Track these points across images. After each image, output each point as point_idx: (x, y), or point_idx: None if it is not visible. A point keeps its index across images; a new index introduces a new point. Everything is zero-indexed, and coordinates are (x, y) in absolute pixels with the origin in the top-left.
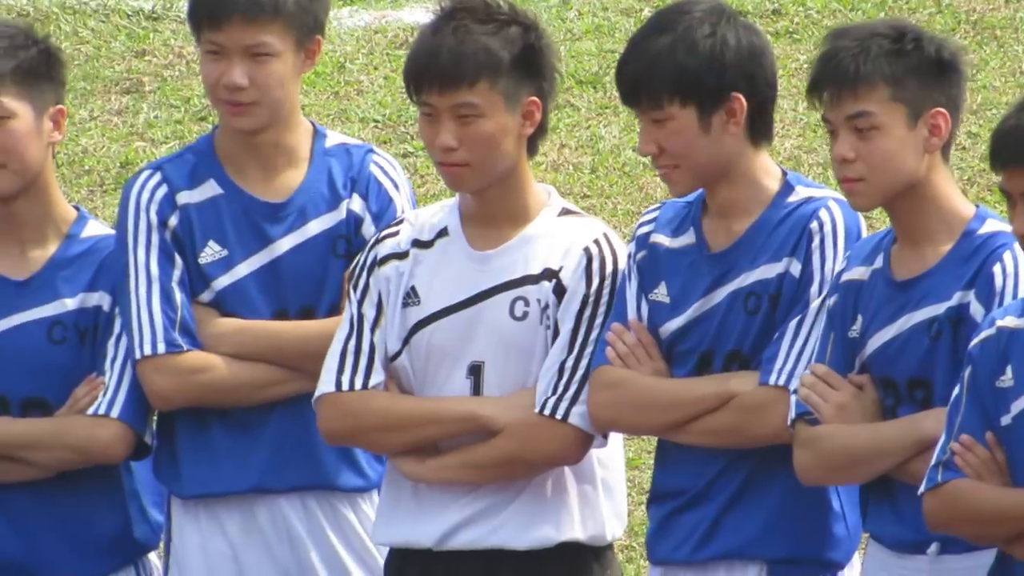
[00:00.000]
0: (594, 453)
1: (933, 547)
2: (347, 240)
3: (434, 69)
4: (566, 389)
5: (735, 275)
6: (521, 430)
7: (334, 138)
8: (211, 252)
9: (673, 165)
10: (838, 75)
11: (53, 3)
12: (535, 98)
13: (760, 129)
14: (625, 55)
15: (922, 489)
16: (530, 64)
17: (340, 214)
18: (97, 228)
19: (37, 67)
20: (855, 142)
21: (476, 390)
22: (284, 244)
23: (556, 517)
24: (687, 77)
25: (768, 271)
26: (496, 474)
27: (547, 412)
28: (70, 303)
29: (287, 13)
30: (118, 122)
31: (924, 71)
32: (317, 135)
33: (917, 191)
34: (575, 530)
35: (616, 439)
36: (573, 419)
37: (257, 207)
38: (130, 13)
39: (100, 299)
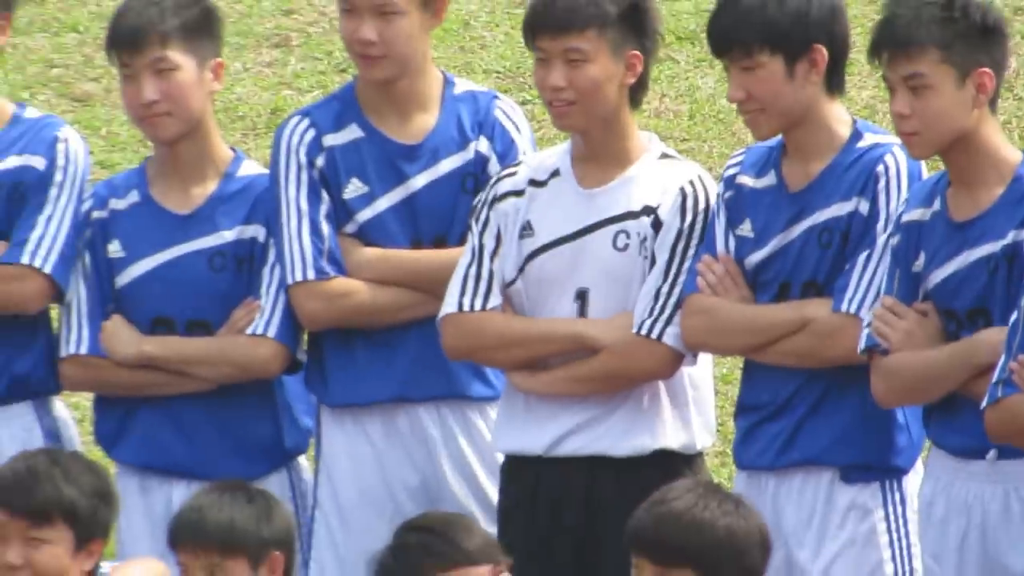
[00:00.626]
0: (685, 371)
1: (992, 453)
2: (475, 177)
3: (549, 16)
4: (661, 312)
5: (810, 212)
6: (621, 348)
7: (462, 85)
8: (354, 188)
9: (759, 109)
10: (894, 39)
11: None
12: (637, 52)
13: (835, 80)
14: (719, 9)
15: (984, 404)
16: (635, 21)
17: (468, 154)
18: (252, 167)
19: (199, 24)
20: (910, 99)
21: (582, 313)
22: (419, 181)
23: (651, 427)
24: (777, 29)
25: (839, 209)
26: (598, 388)
27: (644, 332)
28: (228, 235)
29: None
30: (268, 73)
31: (971, 35)
32: (447, 83)
33: (968, 141)
34: (668, 439)
35: (706, 358)
36: (667, 339)
37: (394, 148)
38: None
39: (255, 231)
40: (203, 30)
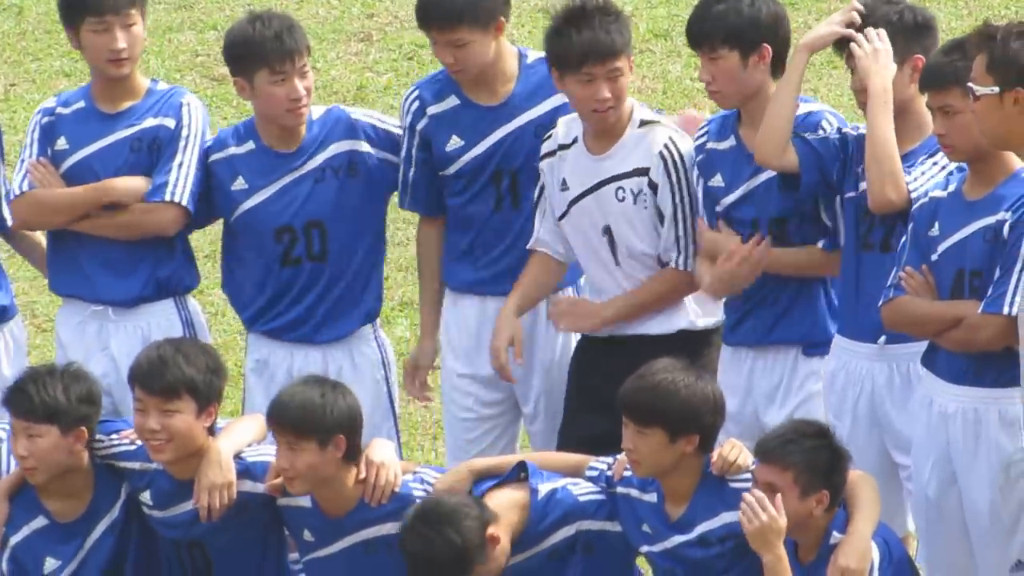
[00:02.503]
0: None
1: (882, 339)
2: (546, 128)
3: (595, 46)
4: (685, 249)
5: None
6: (674, 279)
7: (532, 55)
8: (453, 143)
9: (720, 90)
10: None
11: None
12: (631, 58)
13: (779, 68)
14: (693, 15)
15: (880, 303)
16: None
17: (542, 109)
18: (317, 111)
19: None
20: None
21: (611, 242)
22: (501, 133)
23: (675, 312)
24: (735, 31)
25: None
26: (656, 305)
27: (680, 267)
28: (321, 158)
29: (476, 18)
30: (355, 60)
31: (907, 31)
32: (521, 56)
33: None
34: (688, 321)
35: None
36: (690, 267)
37: (483, 111)
38: None
39: (338, 147)
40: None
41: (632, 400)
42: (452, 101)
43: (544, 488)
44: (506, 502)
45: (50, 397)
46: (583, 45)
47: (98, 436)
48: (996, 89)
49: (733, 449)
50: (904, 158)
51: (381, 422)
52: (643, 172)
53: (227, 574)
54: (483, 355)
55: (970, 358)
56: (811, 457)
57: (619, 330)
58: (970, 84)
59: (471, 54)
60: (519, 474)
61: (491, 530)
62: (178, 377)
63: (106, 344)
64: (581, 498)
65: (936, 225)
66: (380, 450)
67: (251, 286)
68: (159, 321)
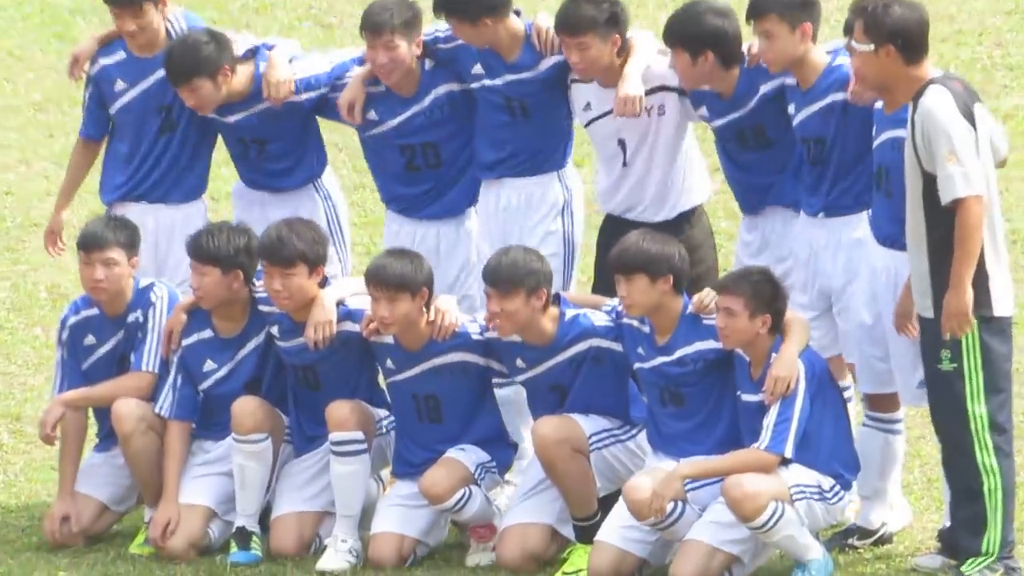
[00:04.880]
0: (685, 151)
1: (821, 214)
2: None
3: (563, 20)
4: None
5: (737, 109)
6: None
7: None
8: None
9: (682, 77)
10: (753, 9)
11: None
12: (618, 36)
13: (729, 59)
14: (669, 19)
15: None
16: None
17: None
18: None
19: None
20: (763, 43)
21: (623, 150)
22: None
23: (676, 202)
24: (683, 38)
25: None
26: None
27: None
28: (427, 101)
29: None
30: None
31: (795, 5)
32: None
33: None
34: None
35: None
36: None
37: (504, 64)
38: None
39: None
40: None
41: (618, 258)
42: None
43: (571, 312)
44: (547, 315)
45: (215, 246)
46: (559, 18)
47: (255, 281)
48: (871, 47)
49: (707, 295)
50: (809, 91)
51: (465, 278)
52: (652, 91)
53: (332, 391)
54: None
55: (898, 225)
56: (757, 288)
57: (631, 216)
58: (852, 43)
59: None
60: (555, 302)
61: (545, 292)
62: (292, 251)
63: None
64: (597, 323)
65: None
66: (445, 301)
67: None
68: (304, 204)
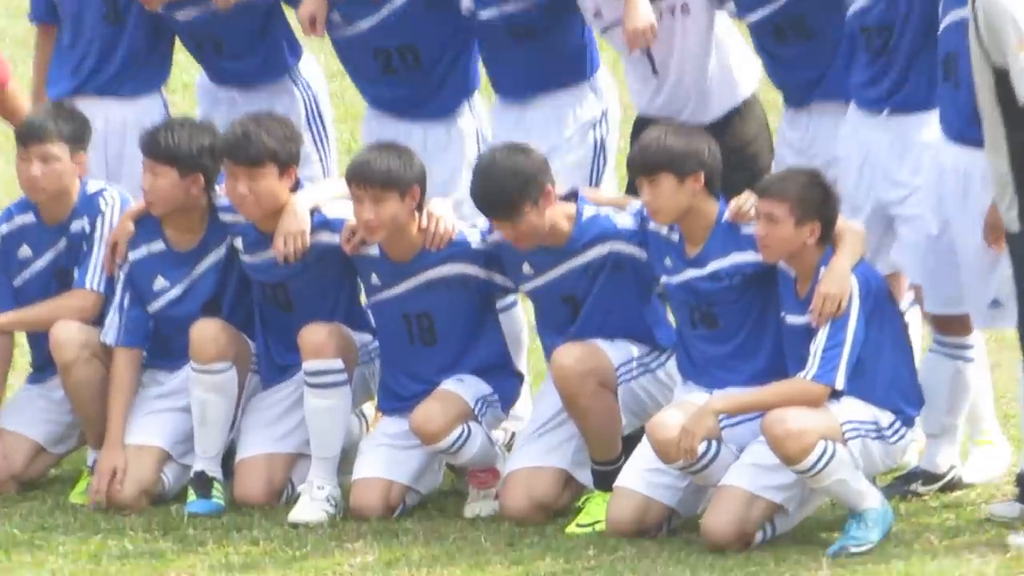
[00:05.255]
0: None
1: (886, 110)
2: None
3: None
4: None
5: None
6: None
7: None
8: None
9: None
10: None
11: None
12: None
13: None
14: None
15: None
16: None
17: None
18: None
19: None
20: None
21: None
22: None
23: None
24: None
25: None
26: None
27: None
28: None
29: None
30: None
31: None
32: None
33: None
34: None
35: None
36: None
37: None
38: None
39: None
40: None
41: (639, 158)
42: None
43: (589, 211)
44: (560, 210)
45: (173, 143)
46: None
47: (216, 186)
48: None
49: (748, 199)
50: None
51: (460, 182)
52: None
53: (306, 312)
54: None
55: (967, 118)
56: (805, 192)
57: (671, 115)
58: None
59: None
60: (572, 198)
61: (551, 187)
62: (260, 149)
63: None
64: (619, 224)
65: None
66: (439, 204)
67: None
68: (278, 96)
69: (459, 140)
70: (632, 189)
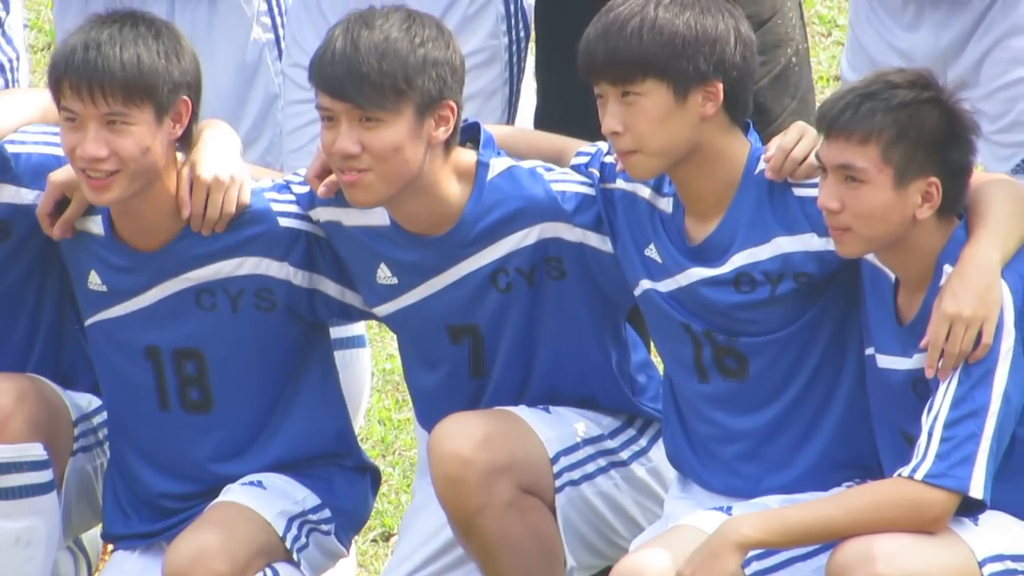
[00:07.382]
0: None
1: None
2: None
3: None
4: None
5: None
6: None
7: None
8: None
9: None
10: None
11: None
12: None
13: None
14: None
15: None
16: None
17: None
18: None
19: None
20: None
21: None
22: None
23: None
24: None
25: None
26: None
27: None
28: None
29: None
30: None
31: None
32: None
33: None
34: None
35: None
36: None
37: None
38: None
39: None
40: None
41: (599, 52)
42: None
43: (499, 164)
44: (449, 160)
45: None
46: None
47: None
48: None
49: (802, 137)
50: None
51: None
52: None
53: None
54: None
55: None
56: (909, 119)
57: None
58: None
59: None
60: (465, 142)
61: (452, 101)
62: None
63: None
64: (557, 188)
65: None
66: (218, 145)
67: None
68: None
69: (248, 26)
70: (580, 128)
